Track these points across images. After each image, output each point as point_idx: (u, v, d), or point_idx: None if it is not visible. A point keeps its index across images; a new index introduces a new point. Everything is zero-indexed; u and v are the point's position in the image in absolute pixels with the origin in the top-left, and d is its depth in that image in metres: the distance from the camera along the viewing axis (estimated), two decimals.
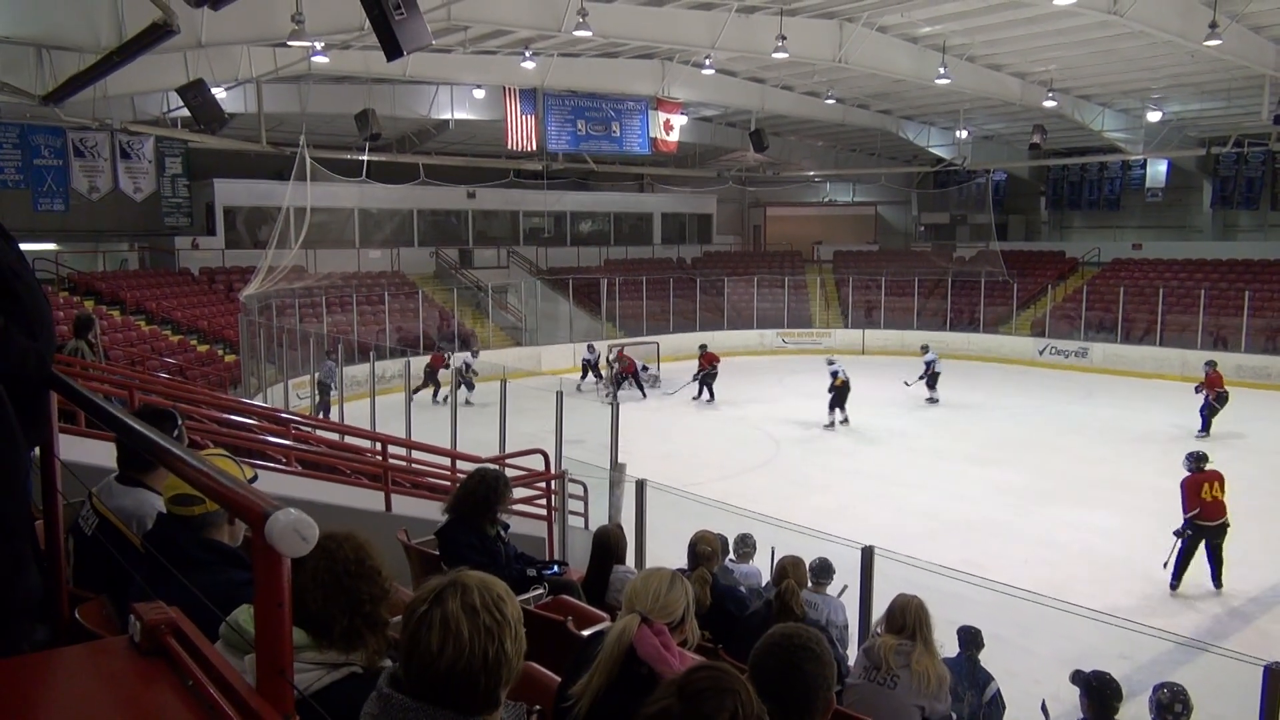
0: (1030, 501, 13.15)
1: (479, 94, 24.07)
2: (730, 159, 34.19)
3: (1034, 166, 33.18)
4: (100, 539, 2.57)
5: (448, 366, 21.22)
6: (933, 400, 20.57)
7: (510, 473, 8.25)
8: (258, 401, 15.12)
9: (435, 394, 19.89)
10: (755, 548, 7.00)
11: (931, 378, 20.69)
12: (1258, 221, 30.20)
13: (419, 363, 18.47)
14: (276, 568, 1.31)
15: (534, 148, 24.80)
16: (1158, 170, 31.39)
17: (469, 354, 21.82)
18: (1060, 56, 21.78)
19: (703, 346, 22.56)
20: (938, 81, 20.87)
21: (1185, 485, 9.95)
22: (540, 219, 33.92)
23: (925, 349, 21.38)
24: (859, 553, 5.14)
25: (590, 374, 23.09)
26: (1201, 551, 9.73)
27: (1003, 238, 33.89)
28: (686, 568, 4.88)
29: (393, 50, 9.92)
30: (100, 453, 3.70)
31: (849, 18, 19.48)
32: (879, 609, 4.93)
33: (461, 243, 31.54)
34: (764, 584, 6.47)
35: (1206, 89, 23.51)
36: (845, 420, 18.28)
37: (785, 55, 18.49)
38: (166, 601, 1.74)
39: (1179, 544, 9.73)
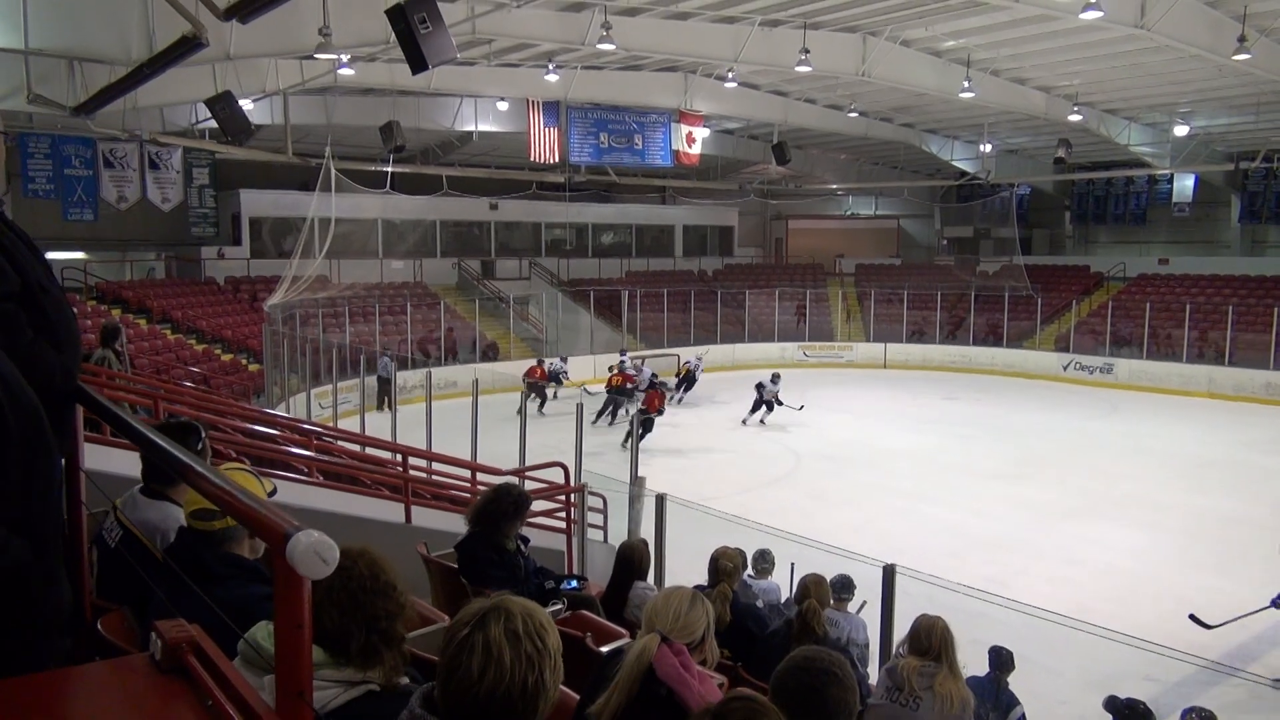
0: (1054, 519, 13.01)
1: (502, 106, 24.22)
2: (752, 171, 34.19)
3: (1059, 180, 32.93)
4: (124, 551, 2.59)
5: (548, 378, 21.69)
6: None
7: (530, 485, 8.28)
8: (280, 411, 15.22)
9: (541, 406, 20.20)
10: (774, 563, 6.95)
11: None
12: None
13: (441, 375, 18.49)
14: (297, 589, 1.31)
15: (557, 160, 24.91)
16: (1185, 185, 31.05)
17: (559, 360, 22.75)
18: (1086, 70, 21.63)
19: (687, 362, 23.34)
20: (961, 95, 20.79)
21: None
22: (562, 230, 34.05)
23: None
24: (880, 570, 5.09)
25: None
26: None
27: (1026, 252, 33.61)
28: (707, 583, 4.85)
29: (418, 64, 10.01)
30: (125, 462, 3.73)
31: (872, 31, 19.45)
32: (900, 628, 4.88)
33: (484, 254, 31.69)
34: (783, 600, 6.43)
35: (1235, 103, 23.27)
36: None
37: (808, 69, 18.47)
38: (187, 615, 1.75)
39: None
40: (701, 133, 26.40)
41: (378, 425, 13.69)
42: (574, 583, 4.47)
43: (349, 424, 14.69)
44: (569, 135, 24.48)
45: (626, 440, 18.29)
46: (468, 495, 7.93)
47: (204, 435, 3.28)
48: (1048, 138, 27.52)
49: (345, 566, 1.87)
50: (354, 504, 6.66)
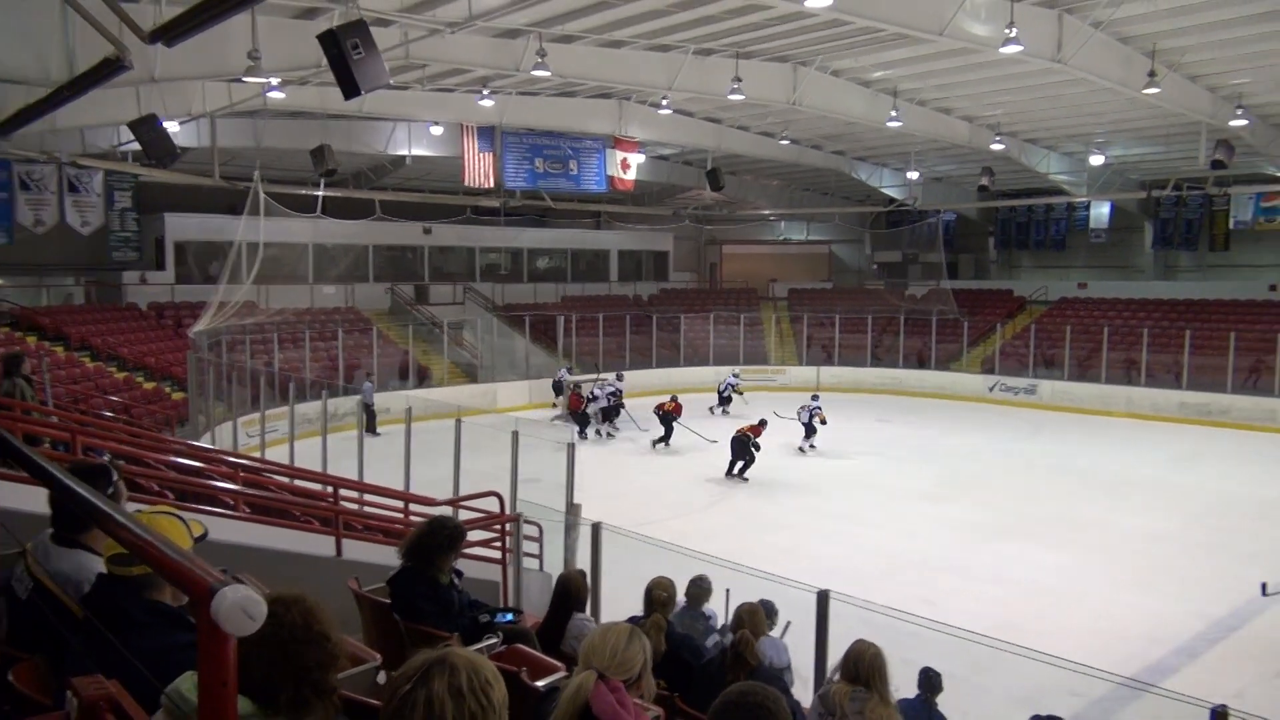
0: (982, 539, 13.29)
1: (436, 131, 24.11)
2: (687, 197, 34.54)
3: (983, 207, 33.94)
4: (37, 603, 2.48)
5: (593, 398, 22.02)
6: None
7: (465, 515, 8.18)
8: (205, 441, 14.82)
9: (582, 431, 20.48)
10: (711, 590, 6.96)
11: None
12: (1196, 262, 31.15)
13: (375, 401, 18.24)
14: (222, 646, 1.28)
15: (491, 185, 24.86)
16: (1101, 212, 32.30)
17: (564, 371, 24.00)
18: (1007, 101, 22.41)
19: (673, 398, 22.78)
20: (889, 124, 21.34)
21: None
22: (497, 255, 33.94)
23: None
24: (814, 596, 5.15)
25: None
26: None
27: (953, 276, 34.58)
28: (642, 613, 4.85)
29: (350, 90, 9.90)
30: (34, 500, 3.59)
31: (802, 61, 19.86)
32: (834, 651, 4.93)
33: (417, 279, 31.39)
34: (720, 626, 6.44)
35: (1147, 134, 24.31)
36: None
37: (741, 97, 18.78)
38: (107, 667, 1.69)
39: None
40: (636, 158, 26.62)
41: (308, 454, 13.40)
42: (509, 615, 4.42)
43: (278, 453, 14.36)
44: (504, 160, 24.46)
45: (657, 442, 20.01)
46: (401, 527, 7.81)
47: (116, 477, 3.15)
48: (972, 166, 28.40)
49: (277, 615, 1.82)
50: (283, 538, 6.51)
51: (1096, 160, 26.27)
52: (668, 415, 20.27)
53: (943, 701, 5.70)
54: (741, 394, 24.81)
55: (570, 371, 24.93)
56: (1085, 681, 7.13)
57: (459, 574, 4.51)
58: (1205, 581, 11.30)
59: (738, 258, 39.62)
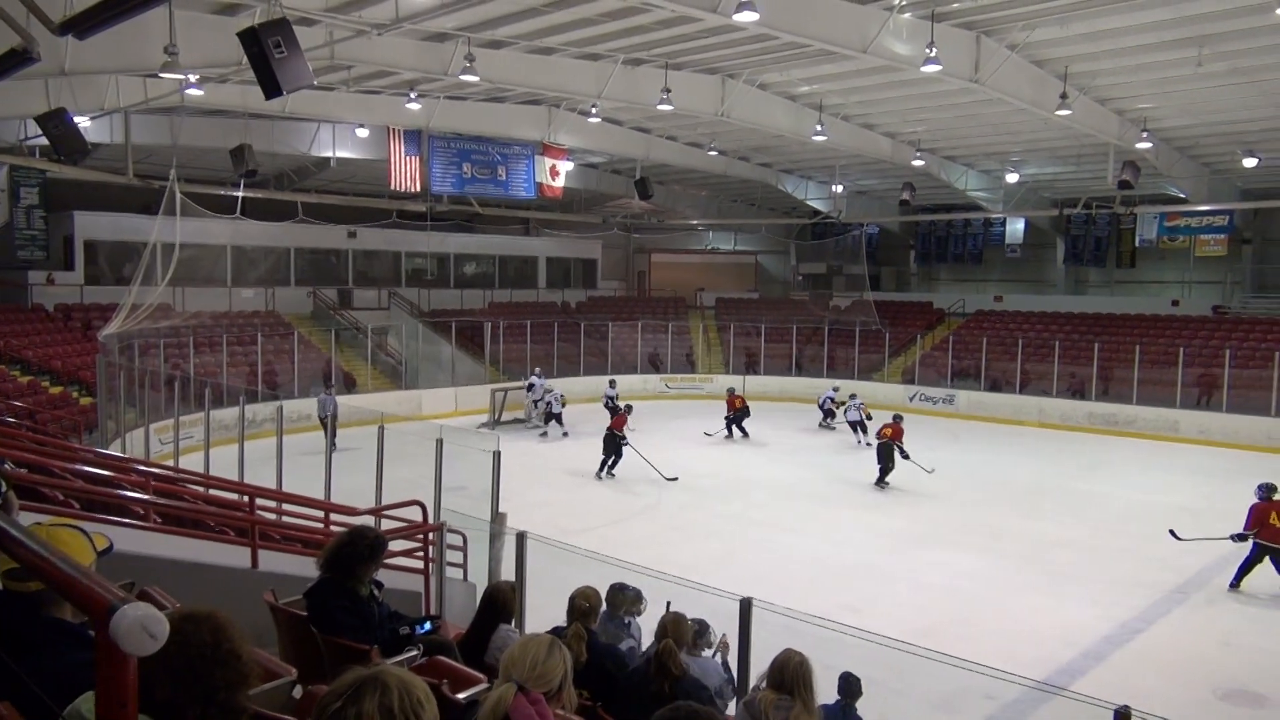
0: (903, 545, 13.56)
1: (362, 133, 23.73)
2: (615, 205, 34.62)
3: (904, 221, 34.80)
4: None
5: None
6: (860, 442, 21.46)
7: (387, 524, 8.03)
8: (115, 449, 14.28)
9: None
10: (636, 598, 6.95)
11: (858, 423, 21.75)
12: (1105, 278, 32.43)
13: (291, 407, 17.81)
14: (121, 666, 1.22)
15: (418, 189, 24.56)
16: (1016, 228, 33.41)
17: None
18: (928, 119, 23.03)
19: (730, 390, 23.59)
20: (814, 138, 21.75)
21: (1254, 510, 11.44)
22: (423, 260, 33.51)
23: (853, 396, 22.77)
24: (737, 604, 5.18)
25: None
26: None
27: (876, 288, 35.35)
28: (567, 624, 4.82)
29: (272, 89, 9.67)
30: None
31: (731, 74, 20.10)
32: (757, 659, 4.97)
33: (341, 283, 30.80)
34: (645, 636, 6.44)
35: (1059, 154, 25.22)
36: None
37: (670, 107, 18.92)
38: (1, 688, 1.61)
39: (1245, 556, 11.47)
40: (565, 166, 26.58)
41: (224, 463, 13.00)
42: (429, 626, 4.35)
43: (192, 461, 13.91)
44: (431, 164, 24.19)
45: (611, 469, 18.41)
46: (321, 537, 7.63)
47: (5, 488, 3.00)
48: (894, 181, 29.08)
49: (185, 632, 1.74)
50: (197, 550, 6.30)
51: (1012, 178, 27.18)
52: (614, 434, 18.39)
53: (864, 706, 5.79)
54: (841, 406, 23.67)
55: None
56: (999, 685, 7.32)
57: (379, 585, 4.43)
58: (1112, 586, 11.71)
59: (666, 266, 39.85)
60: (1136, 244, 30.00)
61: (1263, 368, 23.27)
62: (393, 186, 24.11)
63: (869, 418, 21.27)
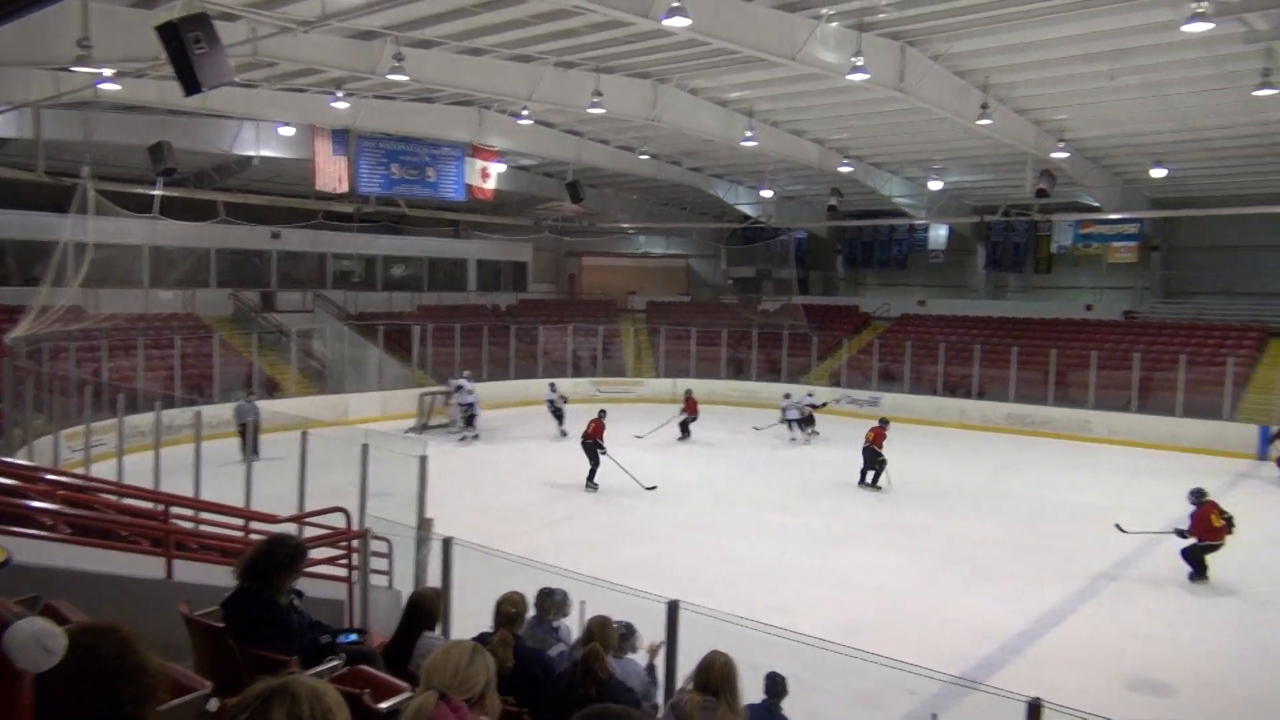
0: (828, 545, 13.79)
1: (286, 132, 23.21)
2: (547, 208, 34.50)
3: (831, 226, 35.38)
4: None
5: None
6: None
7: (310, 532, 7.88)
8: (21, 457, 13.70)
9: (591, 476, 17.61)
10: (565, 603, 6.95)
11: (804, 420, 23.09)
12: (1023, 283, 33.46)
13: (211, 412, 17.34)
14: (15, 684, 1.19)
15: (345, 189, 24.11)
16: (939, 234, 34.29)
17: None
18: (855, 126, 23.47)
19: (688, 392, 24.23)
20: (744, 143, 21.99)
21: (1197, 516, 12.36)
22: (350, 262, 32.96)
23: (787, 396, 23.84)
24: (665, 606, 5.22)
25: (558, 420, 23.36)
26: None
27: (804, 292, 35.91)
28: (492, 631, 4.79)
29: (191, 86, 9.42)
30: None
31: (662, 79, 20.22)
32: (686, 660, 5.01)
33: (264, 285, 30.08)
34: (574, 640, 6.44)
35: (979, 163, 25.95)
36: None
37: (601, 111, 18.95)
38: None
39: (1197, 557, 12.27)
40: (496, 168, 26.40)
41: (177, 465, 12.59)
42: (352, 636, 4.28)
43: (104, 469, 13.44)
44: (358, 165, 23.78)
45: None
46: (240, 546, 7.45)
47: None
48: (822, 186, 29.56)
49: (86, 646, 1.68)
50: (108, 561, 6.09)
51: (935, 185, 27.88)
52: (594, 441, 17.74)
53: (790, 704, 5.87)
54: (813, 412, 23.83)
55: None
56: (920, 680, 7.49)
57: (299, 594, 4.34)
58: (1028, 581, 12.08)
59: (597, 270, 39.86)
60: (1053, 250, 31.03)
61: (1169, 370, 24.25)
62: (318, 187, 23.64)
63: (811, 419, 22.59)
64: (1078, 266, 32.14)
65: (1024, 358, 26.74)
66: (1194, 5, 11.54)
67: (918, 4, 14.80)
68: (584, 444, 17.77)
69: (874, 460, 17.79)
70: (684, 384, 30.17)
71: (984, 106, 18.02)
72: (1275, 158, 22.46)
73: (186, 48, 9.25)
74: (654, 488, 17.09)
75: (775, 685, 5.64)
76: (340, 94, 19.65)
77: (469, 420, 22.67)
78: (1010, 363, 26.57)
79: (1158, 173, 23.62)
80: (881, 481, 17.76)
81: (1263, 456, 21.39)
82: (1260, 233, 27.46)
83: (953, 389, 27.53)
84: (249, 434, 15.18)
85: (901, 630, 10.21)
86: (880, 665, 5.38)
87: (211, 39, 9.47)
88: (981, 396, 26.67)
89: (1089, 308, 30.59)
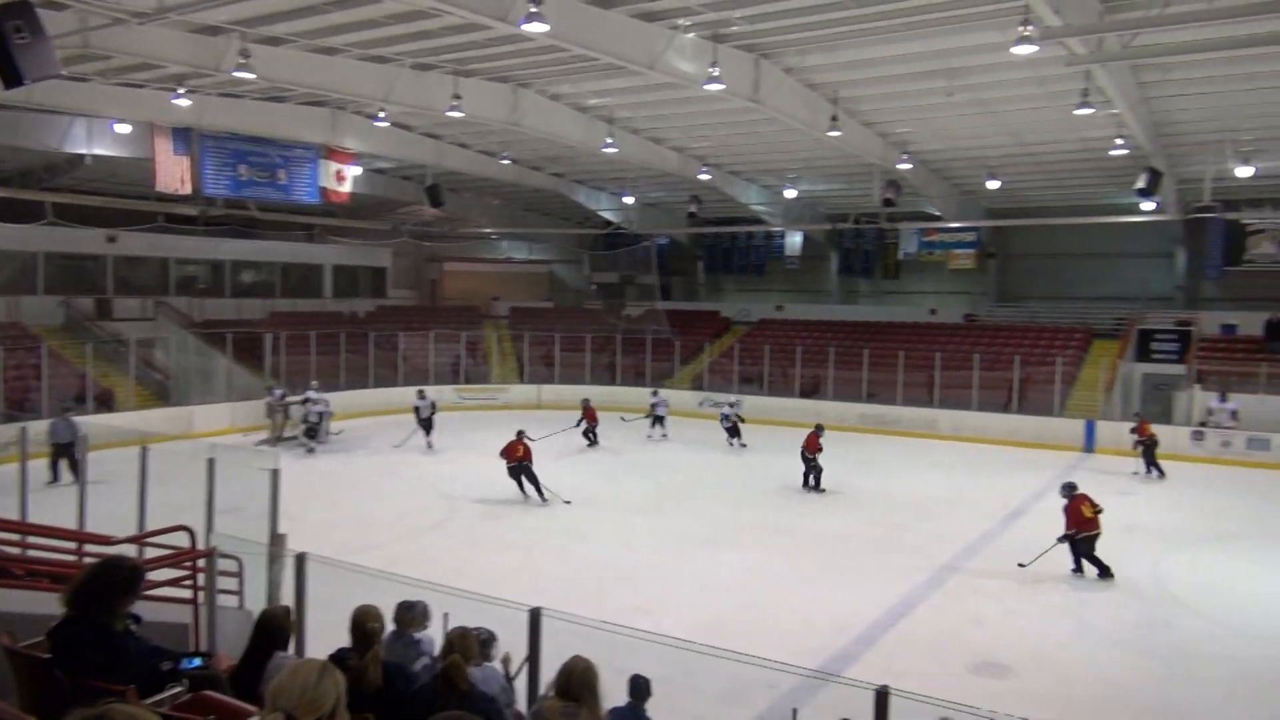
0: (691, 547, 14.00)
1: (123, 129, 21.85)
2: (406, 212, 33.78)
3: (692, 233, 36.07)
4: None
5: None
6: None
7: (153, 553, 7.45)
8: None
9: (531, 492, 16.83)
10: (429, 615, 6.82)
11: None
12: (873, 288, 34.99)
13: (39, 428, 16.17)
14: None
15: (188, 191, 22.91)
16: (795, 241, 35.45)
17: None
18: (712, 135, 24.02)
19: (585, 401, 23.33)
20: (605, 150, 22.16)
21: (1070, 509, 12.56)
22: (195, 267, 31.33)
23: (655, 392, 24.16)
24: (526, 614, 5.19)
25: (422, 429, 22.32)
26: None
27: (666, 298, 36.46)
28: (350, 648, 4.65)
29: (11, 79, 8.79)
30: None
31: (523, 83, 20.14)
32: (550, 667, 4.99)
33: (99, 292, 28.21)
34: (437, 652, 6.32)
35: (831, 172, 27.00)
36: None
37: (460, 114, 18.72)
38: None
39: (1082, 552, 12.50)
40: (352, 170, 25.67)
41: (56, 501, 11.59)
42: (196, 660, 4.06)
43: None
44: (202, 165, 22.65)
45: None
46: (73, 571, 6.96)
47: None
48: (682, 193, 30.12)
49: None
50: None
51: (790, 193, 28.83)
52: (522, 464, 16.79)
53: (656, 705, 5.93)
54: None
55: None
56: (778, 674, 7.73)
57: (137, 619, 4.09)
58: (880, 574, 12.63)
59: (459, 275, 39.28)
60: (900, 257, 32.59)
61: (1006, 370, 25.83)
62: (159, 188, 22.39)
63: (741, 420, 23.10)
64: (922, 272, 33.87)
65: (874, 360, 27.93)
66: (1020, 29, 12.36)
67: (769, 18, 15.28)
68: (517, 468, 16.61)
69: (811, 465, 18.14)
70: (549, 390, 30.23)
71: (833, 119, 18.77)
72: (1097, 171, 24.30)
73: (6, 37, 8.64)
74: (569, 502, 16.54)
75: (638, 688, 5.69)
76: (182, 91, 18.68)
77: (310, 431, 21.67)
78: (862, 364, 27.71)
79: (993, 184, 25.17)
80: (825, 484, 18.01)
81: (1088, 449, 23.11)
82: (1085, 241, 29.64)
83: (809, 391, 28.48)
84: (75, 455, 14.04)
85: (762, 627, 10.49)
86: (740, 662, 5.51)
87: (35, 28, 8.86)
88: (836, 398, 27.67)
89: (933, 312, 32.28)
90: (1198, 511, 16.95)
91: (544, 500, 16.53)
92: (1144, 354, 26.27)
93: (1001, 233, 31.92)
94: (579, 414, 23.02)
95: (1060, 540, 12.52)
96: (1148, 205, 23.43)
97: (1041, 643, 10.29)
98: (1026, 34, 12.34)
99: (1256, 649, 10.24)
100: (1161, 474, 19.66)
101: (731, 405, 23.97)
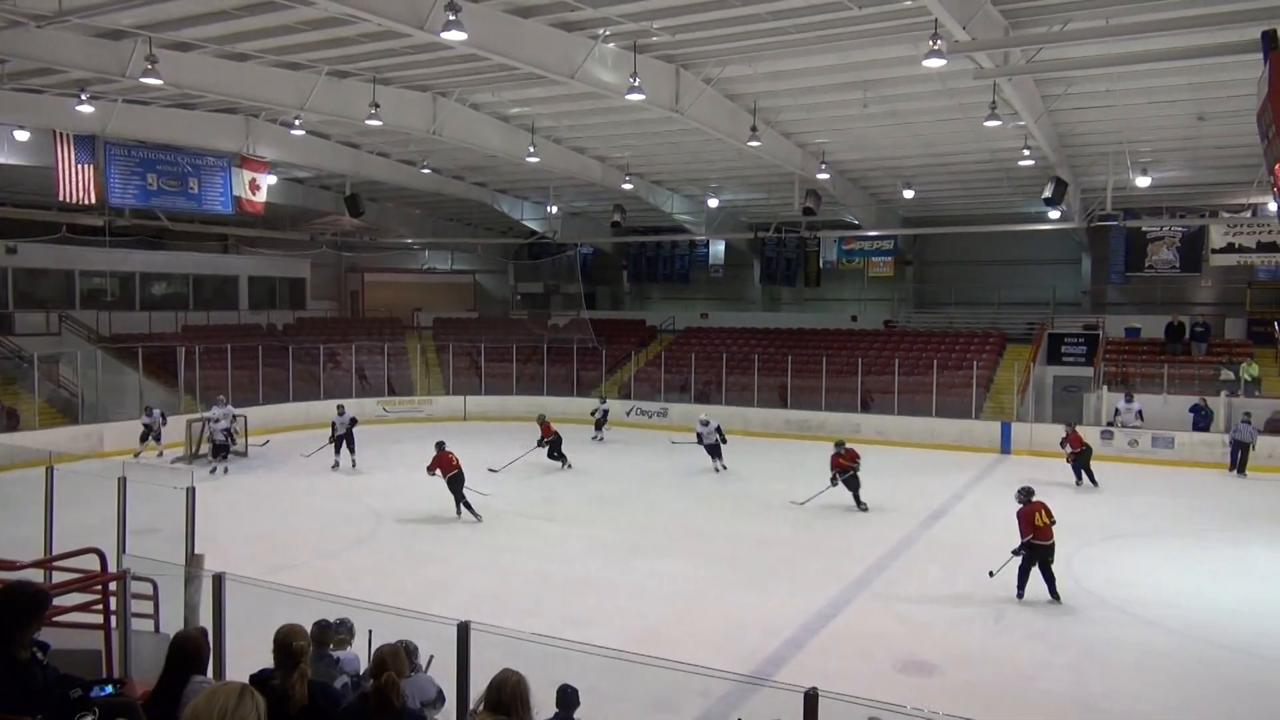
0: (623, 556, 14.00)
1: (21, 136, 20.92)
2: (325, 223, 33.08)
3: (616, 242, 36.14)
4: None
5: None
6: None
7: (61, 577, 7.12)
8: None
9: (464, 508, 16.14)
10: (354, 633, 6.67)
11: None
12: (796, 295, 35.55)
13: None
14: None
15: (92, 200, 22.03)
16: (718, 249, 35.85)
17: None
18: (635, 145, 24.11)
19: (541, 416, 22.30)
20: (527, 159, 22.08)
21: (1021, 515, 11.86)
22: (102, 280, 30.20)
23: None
24: (455, 629, 5.12)
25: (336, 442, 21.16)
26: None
27: (592, 307, 36.44)
28: (273, 668, 4.51)
29: None
30: None
31: (442, 92, 19.93)
32: (480, 681, 4.92)
33: None
34: (362, 670, 6.19)
35: (752, 182, 27.35)
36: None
37: (379, 123, 18.43)
38: None
39: (1019, 562, 11.81)
40: (267, 180, 25.02)
41: None
42: (108, 688, 3.89)
43: None
44: (108, 174, 21.79)
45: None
46: None
47: None
48: (606, 202, 30.15)
49: None
50: None
51: (713, 203, 29.14)
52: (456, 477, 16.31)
53: (591, 714, 5.91)
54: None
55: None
56: (709, 681, 7.77)
57: (43, 646, 3.91)
58: (809, 578, 12.79)
59: (381, 286, 38.65)
60: (821, 265, 33.10)
61: (925, 374, 26.47)
62: (61, 198, 21.46)
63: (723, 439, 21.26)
64: (843, 280, 34.55)
65: (798, 366, 28.34)
66: (930, 43, 12.73)
67: (688, 29, 15.42)
68: (459, 478, 16.14)
69: (852, 484, 17.00)
70: (475, 401, 29.88)
71: (753, 129, 19.02)
72: (1007, 181, 25.10)
73: None
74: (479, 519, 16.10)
75: (566, 698, 5.67)
76: (85, 97, 17.98)
77: (218, 450, 20.60)
78: (787, 371, 28.08)
79: (908, 194, 25.83)
80: (864, 499, 17.00)
81: (1005, 450, 23.82)
82: (997, 248, 30.61)
83: (700, 397, 28.81)
84: None
85: (695, 633, 10.53)
86: (671, 670, 5.51)
87: None
88: (761, 404, 27.98)
89: (854, 318, 32.95)
90: (1108, 508, 17.59)
91: (477, 516, 16.07)
92: (1054, 357, 27.23)
93: (918, 240, 32.78)
94: (538, 432, 21.65)
95: (1015, 552, 11.79)
96: (1054, 214, 24.34)
97: (964, 639, 10.54)
98: (935, 48, 12.71)
99: (1165, 638, 10.67)
100: (1095, 482, 19.27)
101: (705, 423, 21.48)
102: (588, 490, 19.16)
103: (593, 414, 26.36)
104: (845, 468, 17.17)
